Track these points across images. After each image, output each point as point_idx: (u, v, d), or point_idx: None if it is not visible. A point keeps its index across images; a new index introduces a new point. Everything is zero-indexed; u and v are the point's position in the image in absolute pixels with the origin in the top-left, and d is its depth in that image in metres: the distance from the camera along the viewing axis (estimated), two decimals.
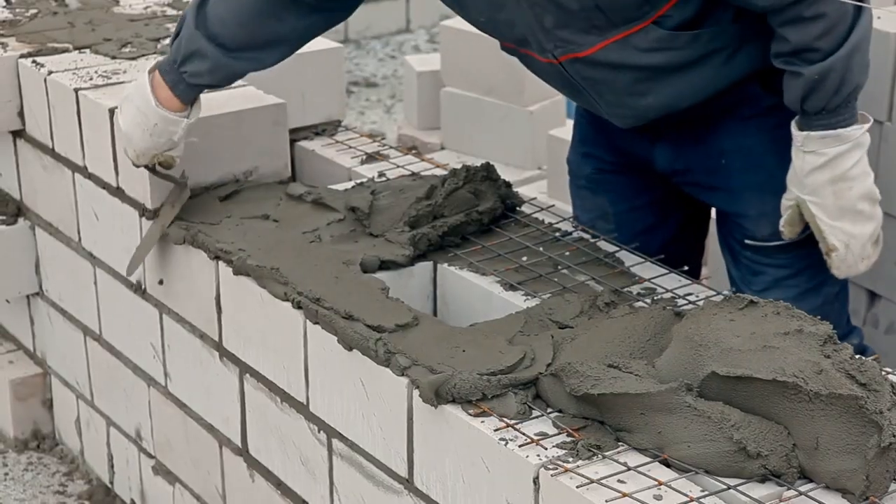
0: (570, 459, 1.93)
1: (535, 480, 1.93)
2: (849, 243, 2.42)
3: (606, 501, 1.84)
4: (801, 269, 2.60)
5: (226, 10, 2.54)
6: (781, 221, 2.49)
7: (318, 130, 3.18)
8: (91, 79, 3.00)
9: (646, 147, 2.67)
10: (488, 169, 2.66)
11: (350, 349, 2.26)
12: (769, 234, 2.57)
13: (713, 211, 2.84)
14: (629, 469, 1.91)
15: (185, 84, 2.58)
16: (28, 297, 3.40)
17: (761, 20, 2.38)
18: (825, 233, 2.41)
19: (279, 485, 2.59)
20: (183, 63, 2.56)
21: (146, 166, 2.69)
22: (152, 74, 2.61)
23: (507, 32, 2.49)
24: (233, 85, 2.96)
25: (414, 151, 3.16)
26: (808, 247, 2.53)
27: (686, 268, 2.52)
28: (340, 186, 2.82)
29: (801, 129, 2.40)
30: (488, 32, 2.56)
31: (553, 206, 2.79)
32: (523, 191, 2.98)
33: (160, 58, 2.79)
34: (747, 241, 2.61)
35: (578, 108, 2.84)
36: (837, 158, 2.39)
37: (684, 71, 2.44)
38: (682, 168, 2.64)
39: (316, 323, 2.34)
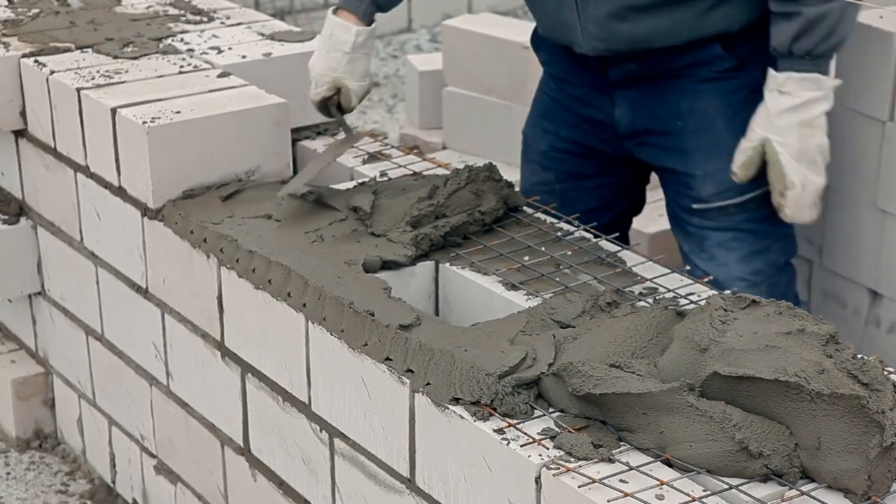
0: (572, 459, 1.93)
1: (537, 480, 1.94)
2: (805, 184, 2.60)
3: (608, 501, 1.84)
4: (745, 231, 2.80)
5: None
6: (737, 163, 2.66)
7: (319, 130, 3.18)
8: (93, 78, 3.00)
9: (608, 108, 2.84)
10: (491, 169, 2.66)
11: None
12: (713, 193, 2.77)
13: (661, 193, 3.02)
14: (631, 469, 1.91)
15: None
16: (30, 296, 3.40)
17: None
18: (786, 169, 2.59)
19: (281, 484, 2.59)
20: None
21: (323, 104, 2.85)
22: (330, 13, 2.85)
23: None
24: (234, 84, 2.96)
25: (416, 151, 3.15)
26: (748, 211, 2.77)
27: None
28: (342, 186, 2.82)
29: (781, 70, 2.59)
30: None
31: (554, 205, 2.79)
32: None
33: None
34: (694, 206, 2.80)
35: (543, 82, 3.02)
36: (810, 104, 2.58)
37: (670, 7, 2.65)
38: (641, 129, 2.81)
39: (318, 323, 2.34)
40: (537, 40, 3.00)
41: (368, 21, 2.87)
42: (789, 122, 2.58)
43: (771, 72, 2.61)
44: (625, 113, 2.83)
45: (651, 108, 2.81)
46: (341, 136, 3.00)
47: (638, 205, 3.10)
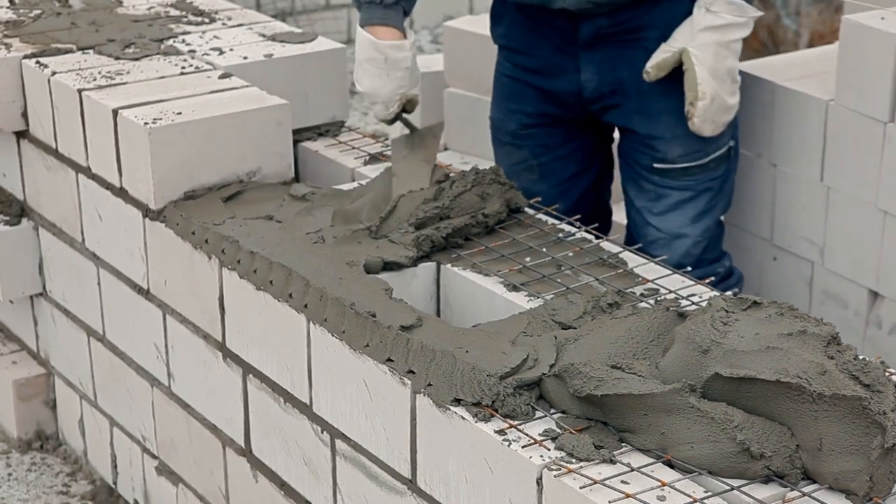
0: (574, 460, 1.93)
1: (539, 481, 1.94)
2: (714, 97, 2.76)
3: (610, 502, 1.84)
4: (700, 191, 2.97)
5: None
6: (651, 63, 2.82)
7: (321, 131, 3.18)
8: (94, 79, 3.00)
9: (572, 73, 2.96)
10: (496, 172, 2.67)
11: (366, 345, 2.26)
12: (678, 155, 2.93)
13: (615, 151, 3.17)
14: (632, 470, 1.91)
15: (388, 9, 2.81)
16: (31, 297, 3.40)
17: None
18: (700, 80, 2.75)
19: (282, 485, 2.59)
20: None
21: (396, 118, 2.87)
22: (363, 29, 2.84)
23: None
24: (236, 86, 2.96)
25: None
26: (708, 171, 2.97)
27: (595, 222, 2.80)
28: (344, 187, 2.82)
29: None
30: None
31: (556, 206, 2.79)
32: None
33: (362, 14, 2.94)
34: (656, 165, 2.94)
35: (499, 64, 3.14)
36: (730, 27, 2.76)
37: None
38: (607, 91, 2.93)
39: (319, 324, 2.34)
40: (498, 12, 3.08)
41: (402, 24, 2.90)
42: (709, 40, 2.75)
43: None
44: (591, 76, 2.94)
45: (618, 72, 2.91)
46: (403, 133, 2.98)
47: (609, 164, 3.21)
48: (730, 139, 3.02)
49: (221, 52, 3.17)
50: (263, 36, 3.29)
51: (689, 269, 2.56)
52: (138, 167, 2.79)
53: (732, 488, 1.88)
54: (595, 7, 2.85)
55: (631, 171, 3.05)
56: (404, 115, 2.90)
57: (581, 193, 3.11)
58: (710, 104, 2.75)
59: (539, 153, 3.10)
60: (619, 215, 3.34)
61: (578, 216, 2.72)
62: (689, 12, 2.84)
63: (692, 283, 2.44)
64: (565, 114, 3.04)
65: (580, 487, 1.87)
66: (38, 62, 3.11)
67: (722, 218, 3.12)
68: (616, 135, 3.12)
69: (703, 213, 2.99)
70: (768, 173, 3.50)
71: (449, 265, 2.53)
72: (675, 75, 2.88)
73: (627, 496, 1.85)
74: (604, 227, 3.04)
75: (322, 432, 2.42)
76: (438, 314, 2.57)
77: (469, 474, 2.08)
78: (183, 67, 3.08)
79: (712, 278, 2.69)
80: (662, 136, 2.94)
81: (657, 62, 2.81)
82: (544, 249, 2.55)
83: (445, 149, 4.58)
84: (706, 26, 2.73)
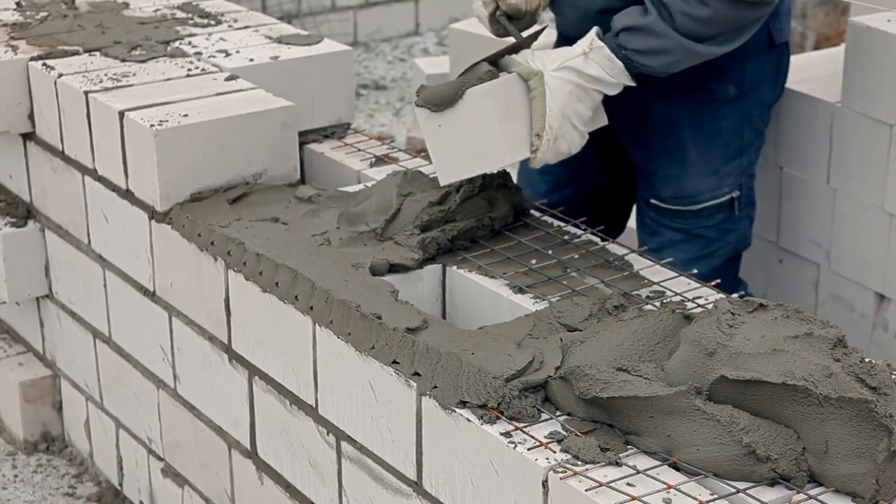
0: (579, 463, 1.93)
1: (545, 483, 1.93)
2: (559, 137, 2.55)
3: None
4: (694, 236, 2.91)
5: None
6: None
7: (327, 133, 3.19)
8: (101, 81, 3.00)
9: None
10: (504, 176, 2.67)
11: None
12: (670, 196, 2.90)
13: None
14: (638, 472, 1.91)
15: None
16: (38, 299, 3.40)
17: None
18: (550, 112, 2.52)
19: (288, 487, 2.59)
20: None
21: (494, 17, 2.68)
22: None
23: None
24: (242, 88, 2.97)
25: (423, 154, 3.15)
26: (702, 218, 2.90)
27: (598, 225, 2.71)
28: (350, 189, 2.82)
29: (603, 39, 2.58)
30: None
31: (562, 208, 2.79)
32: None
33: None
34: (652, 201, 2.91)
35: None
36: (597, 80, 2.56)
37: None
38: (618, 114, 2.82)
39: (325, 326, 2.34)
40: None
41: None
42: (570, 78, 2.55)
43: (596, 30, 2.60)
44: (614, 98, 2.86)
45: (630, 100, 2.82)
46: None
47: (625, 175, 3.09)
48: (733, 190, 2.93)
49: (227, 55, 3.18)
50: (269, 38, 3.29)
51: None
52: (144, 169, 2.79)
53: (738, 491, 1.88)
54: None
55: (637, 202, 3.04)
56: (505, 22, 2.70)
57: (588, 192, 3.06)
58: (553, 142, 2.55)
59: None
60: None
61: (584, 218, 2.71)
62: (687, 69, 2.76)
63: (698, 285, 2.44)
64: None
65: (586, 490, 1.87)
66: (44, 64, 3.12)
67: (740, 255, 3.03)
68: None
69: (697, 258, 2.91)
70: (775, 176, 3.50)
71: (454, 267, 2.53)
72: (678, 119, 2.83)
73: (633, 499, 1.85)
74: (611, 231, 3.00)
75: (328, 434, 2.43)
76: (444, 316, 2.57)
77: (475, 476, 2.08)
78: (189, 69, 3.09)
79: None
80: (657, 173, 2.90)
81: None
82: (550, 252, 2.55)
83: None
84: (572, 67, 2.55)
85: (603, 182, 3.10)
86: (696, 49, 2.58)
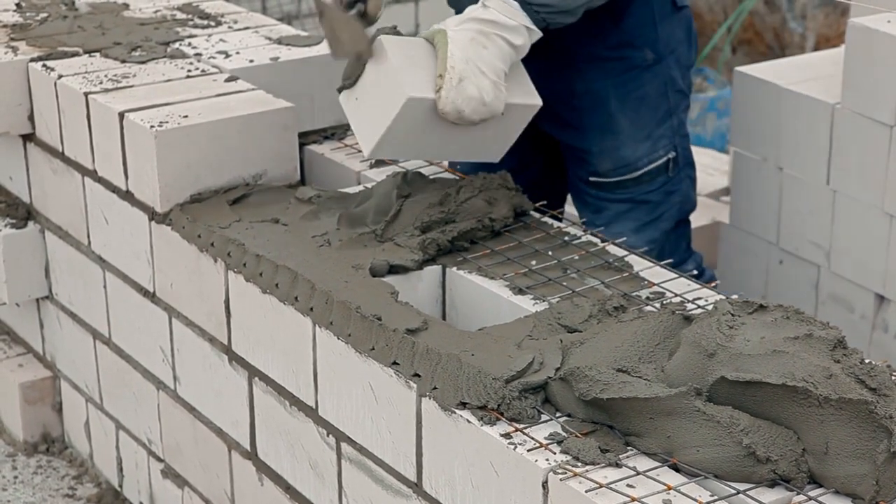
0: (579, 464, 1.93)
1: (544, 485, 1.93)
2: (463, 80, 2.53)
3: None
4: (639, 202, 2.99)
5: None
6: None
7: (327, 134, 3.19)
8: (101, 82, 3.01)
9: None
10: (504, 178, 2.68)
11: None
12: (609, 169, 2.97)
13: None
14: (638, 473, 1.91)
15: None
16: (38, 300, 3.40)
17: None
18: (450, 55, 2.55)
19: (288, 488, 2.59)
20: None
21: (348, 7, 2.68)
22: None
23: None
24: (242, 89, 2.97)
25: None
26: (643, 184, 2.97)
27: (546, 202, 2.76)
28: (350, 190, 2.82)
29: None
30: None
31: (562, 209, 2.79)
32: None
33: None
34: (591, 179, 2.97)
35: None
36: (496, 24, 2.57)
37: None
38: (546, 104, 2.83)
39: (325, 327, 2.34)
40: None
41: None
42: (470, 27, 2.58)
43: None
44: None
45: (552, 85, 2.92)
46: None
47: (557, 159, 3.16)
48: (668, 151, 3.01)
49: (227, 56, 3.18)
50: (269, 39, 3.30)
51: None
52: (144, 170, 2.79)
53: (738, 492, 1.88)
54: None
55: (573, 185, 3.10)
56: (356, 17, 2.71)
57: (529, 182, 3.03)
58: (456, 84, 2.53)
59: None
60: None
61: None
62: (603, 27, 2.86)
63: (698, 286, 2.44)
64: None
65: (586, 491, 1.87)
66: (44, 65, 3.12)
67: (688, 219, 3.12)
68: None
69: (646, 224, 3.01)
70: (774, 177, 3.51)
71: (454, 268, 2.53)
72: (603, 92, 2.90)
73: (633, 500, 1.85)
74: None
75: (328, 435, 2.43)
76: (444, 317, 2.57)
77: (474, 478, 2.08)
78: (189, 70, 3.09)
79: None
80: (591, 149, 2.96)
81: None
82: (550, 253, 2.55)
83: None
84: (472, 17, 2.59)
85: (541, 167, 3.17)
86: None
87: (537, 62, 2.88)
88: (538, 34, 2.64)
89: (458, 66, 2.54)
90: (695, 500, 1.86)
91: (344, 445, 2.39)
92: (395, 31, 2.69)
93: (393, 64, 2.57)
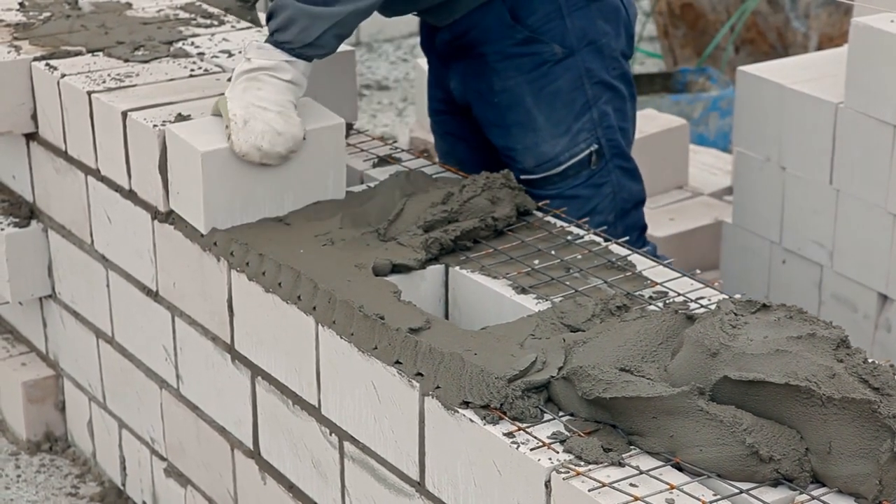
0: (582, 463, 1.93)
1: (547, 484, 1.93)
2: (248, 121, 2.61)
3: None
4: (569, 198, 2.97)
5: None
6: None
7: None
8: (104, 82, 3.01)
9: (448, 81, 3.05)
10: (507, 177, 2.68)
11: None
12: (533, 166, 2.96)
13: None
14: (641, 473, 1.91)
15: None
16: (41, 299, 3.40)
17: None
18: (230, 107, 2.64)
19: (291, 487, 2.59)
20: None
21: None
22: None
23: None
24: None
25: (425, 154, 3.16)
26: (568, 178, 2.97)
27: None
28: (353, 189, 2.82)
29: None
30: None
31: (565, 209, 2.79)
32: None
33: None
34: (522, 177, 2.92)
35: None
36: (260, 69, 2.66)
37: None
38: (471, 101, 2.98)
39: (328, 326, 2.34)
40: None
41: None
42: (241, 79, 2.68)
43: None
44: (457, 85, 3.03)
45: (475, 84, 2.97)
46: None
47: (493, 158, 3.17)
48: (590, 144, 2.99)
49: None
50: None
51: None
52: (147, 169, 2.79)
53: (741, 491, 1.88)
54: (430, 18, 2.97)
55: None
56: None
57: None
58: (242, 126, 2.61)
59: (451, 140, 3.18)
60: None
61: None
62: (507, 25, 2.88)
63: (701, 286, 2.44)
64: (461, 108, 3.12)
65: (589, 490, 1.87)
66: (47, 64, 3.12)
67: (636, 210, 3.10)
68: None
69: (581, 218, 2.93)
70: (777, 176, 3.50)
71: (457, 267, 2.53)
72: (518, 89, 2.92)
73: (636, 499, 1.85)
74: None
75: (330, 434, 2.43)
76: (447, 317, 2.57)
77: (477, 477, 2.08)
78: (192, 70, 3.09)
79: None
80: (515, 147, 2.97)
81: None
82: (553, 252, 2.55)
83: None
84: (239, 71, 2.68)
85: (480, 167, 3.15)
86: (317, 12, 2.65)
87: (460, 64, 2.96)
88: (303, 65, 2.69)
89: (240, 112, 2.62)
90: (698, 499, 1.86)
91: (347, 444, 2.39)
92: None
93: (184, 138, 2.66)
